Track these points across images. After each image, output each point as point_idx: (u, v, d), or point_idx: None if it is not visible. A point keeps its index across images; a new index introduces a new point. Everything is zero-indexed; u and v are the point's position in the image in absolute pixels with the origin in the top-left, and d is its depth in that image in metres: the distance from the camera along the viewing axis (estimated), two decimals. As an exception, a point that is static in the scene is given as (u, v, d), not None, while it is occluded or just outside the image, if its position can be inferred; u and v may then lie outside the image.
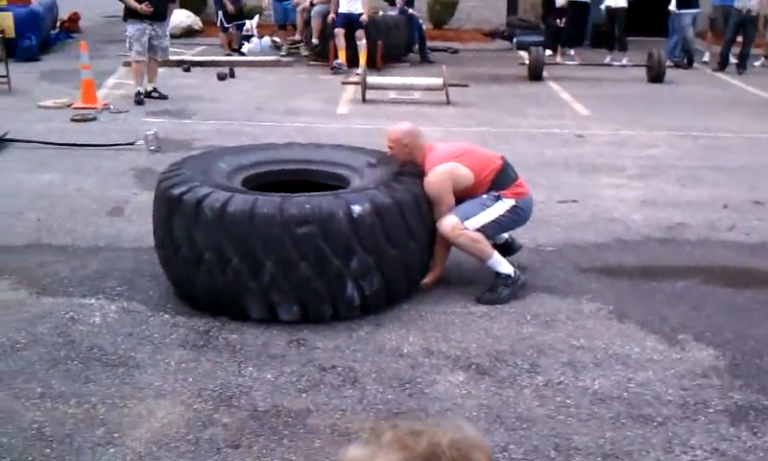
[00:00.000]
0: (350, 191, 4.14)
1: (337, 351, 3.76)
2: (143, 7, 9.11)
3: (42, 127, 8.15)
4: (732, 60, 12.68)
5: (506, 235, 4.71)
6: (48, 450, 2.98)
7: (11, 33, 11.91)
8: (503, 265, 4.36)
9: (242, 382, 3.47)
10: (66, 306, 4.15)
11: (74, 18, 16.14)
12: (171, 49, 10.12)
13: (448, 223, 4.26)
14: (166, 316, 4.08)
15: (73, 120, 8.53)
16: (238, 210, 3.83)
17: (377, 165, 4.51)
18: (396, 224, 4.02)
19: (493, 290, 4.33)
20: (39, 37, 12.96)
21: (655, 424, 3.25)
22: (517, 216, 4.42)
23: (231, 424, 3.17)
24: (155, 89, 9.66)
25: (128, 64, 10.16)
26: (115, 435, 3.09)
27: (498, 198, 4.33)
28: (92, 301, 4.23)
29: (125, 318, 4.05)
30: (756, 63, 13.18)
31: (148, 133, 7.32)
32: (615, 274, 4.81)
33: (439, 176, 4.24)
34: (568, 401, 3.39)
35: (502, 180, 4.37)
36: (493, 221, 4.32)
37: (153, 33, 9.33)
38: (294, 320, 3.97)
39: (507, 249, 4.66)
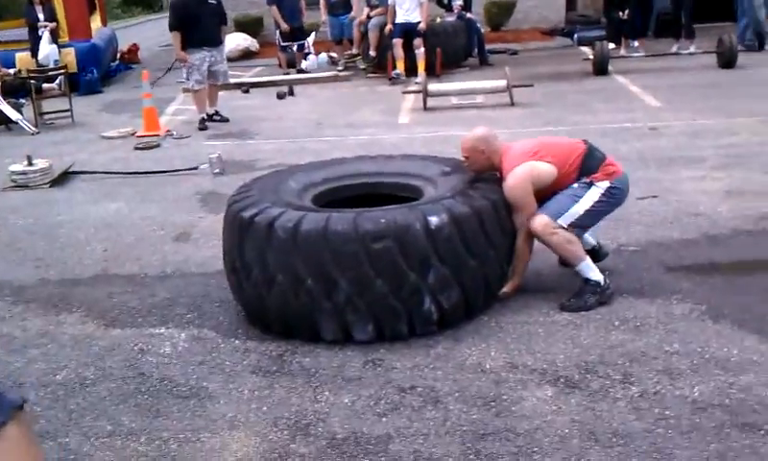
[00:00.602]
0: (426, 202, 3.95)
1: (416, 371, 3.56)
2: (181, 54, 9.22)
3: (106, 157, 8.24)
4: (808, 39, 12.09)
5: (593, 241, 4.44)
6: (121, 491, 2.87)
7: (73, 67, 12.17)
8: (594, 272, 4.10)
9: (318, 409, 3.31)
10: (135, 337, 4.06)
11: (133, 50, 16.47)
12: (229, 72, 10.10)
13: (540, 221, 4.03)
14: (237, 342, 3.95)
15: (137, 148, 8.60)
16: (312, 229, 3.68)
17: (451, 173, 4.31)
18: (474, 233, 3.82)
19: (580, 296, 4.07)
20: (101, 70, 13.21)
21: (762, 432, 2.95)
22: (614, 198, 4.13)
23: (309, 455, 3.00)
24: (216, 112, 9.66)
25: (188, 91, 10.21)
26: (189, 471, 2.95)
27: (591, 184, 4.07)
28: (162, 330, 4.14)
29: (195, 346, 3.93)
30: (833, 41, 12.53)
31: (211, 156, 7.29)
32: (705, 271, 4.49)
33: (518, 179, 4.01)
34: (667, 412, 3.12)
35: (590, 164, 4.10)
36: (589, 210, 4.06)
37: (211, 59, 9.32)
38: (369, 339, 3.80)
39: (594, 255, 4.38)
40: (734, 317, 3.86)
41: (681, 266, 4.56)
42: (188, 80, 9.52)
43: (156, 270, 5.01)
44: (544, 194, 4.11)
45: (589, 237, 4.43)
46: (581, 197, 4.05)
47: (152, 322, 4.25)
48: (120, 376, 3.67)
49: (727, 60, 11.02)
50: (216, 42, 9.45)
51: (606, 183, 4.07)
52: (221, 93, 10.05)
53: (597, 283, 4.07)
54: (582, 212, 4.04)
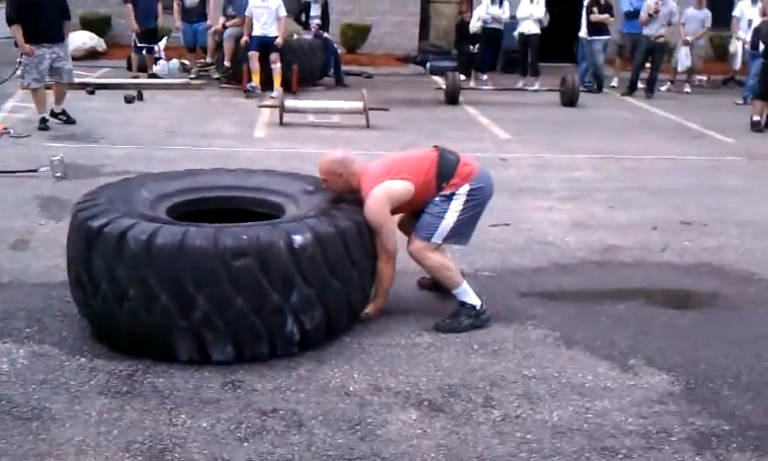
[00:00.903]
0: (289, 220, 3.85)
1: (277, 393, 3.45)
2: (26, 48, 8.48)
3: (-67, 153, 7.53)
4: (640, 85, 13.00)
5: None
6: (-50, 525, 2.57)
7: None
8: (471, 296, 4.18)
9: (174, 432, 3.12)
10: (-32, 352, 3.70)
11: (-34, 39, 15.24)
12: (74, 71, 9.51)
13: (416, 247, 4.11)
14: (83, 360, 3.67)
15: (-32, 146, 7.93)
16: (167, 243, 3.49)
17: (314, 192, 4.23)
18: (338, 254, 3.76)
19: (455, 317, 4.14)
20: (-72, 59, 12.12)
21: (620, 456, 3.08)
22: (477, 199, 4.16)
23: (166, 482, 2.83)
24: (63, 112, 9.02)
25: (27, 88, 9.53)
26: (31, 502, 2.70)
27: (451, 196, 4.09)
28: (-3, 345, 3.79)
29: (36, 364, 3.62)
30: (663, 88, 13.59)
31: (53, 158, 6.82)
32: (556, 298, 4.68)
33: (376, 201, 3.99)
34: (529, 437, 3.19)
35: (445, 169, 4.12)
36: (458, 220, 4.09)
37: (53, 56, 8.68)
38: (228, 360, 3.64)
39: None
40: (587, 343, 4.02)
41: (533, 292, 4.72)
42: (24, 78, 8.79)
43: (-11, 279, 4.60)
44: (412, 207, 4.14)
45: None
46: (445, 211, 4.09)
47: (-14, 336, 3.88)
48: (-50, 396, 3.32)
49: (569, 99, 11.66)
50: (58, 38, 8.78)
51: (465, 187, 4.11)
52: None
53: (473, 307, 4.15)
54: (451, 226, 4.10)
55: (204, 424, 3.19)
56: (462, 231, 4.19)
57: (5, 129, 8.58)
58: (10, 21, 8.60)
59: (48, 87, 8.99)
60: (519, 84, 13.21)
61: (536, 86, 12.99)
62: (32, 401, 3.29)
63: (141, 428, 3.14)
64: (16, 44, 8.76)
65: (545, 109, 11.51)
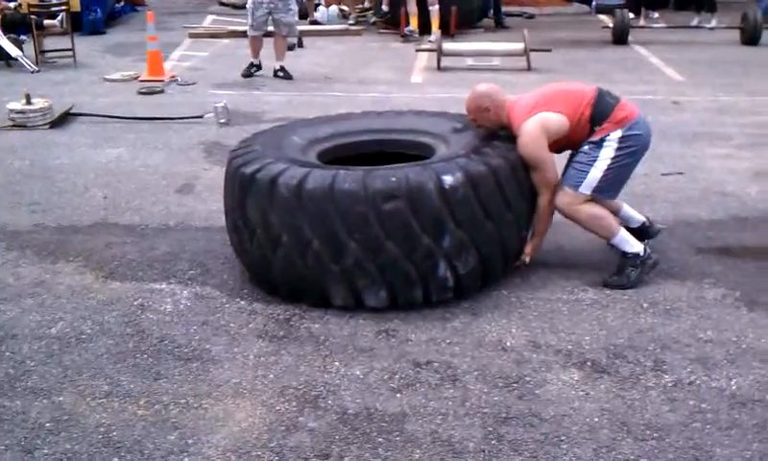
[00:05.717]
0: (439, 160, 3.70)
1: (432, 344, 3.35)
2: None
3: (109, 100, 7.95)
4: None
5: (641, 217, 4.23)
6: (116, 459, 2.65)
7: (76, 6, 11.74)
8: (630, 243, 3.88)
9: (328, 380, 3.10)
10: (135, 292, 3.84)
11: (140, -9, 15.99)
12: (235, 19, 9.60)
13: (564, 198, 3.82)
14: (242, 303, 3.73)
15: (140, 93, 8.31)
16: (317, 187, 3.44)
17: (463, 130, 4.06)
18: (491, 194, 3.58)
19: (621, 272, 3.85)
20: (105, 10, 12.82)
21: (809, 432, 2.76)
22: (631, 147, 3.80)
23: (319, 430, 2.79)
24: (282, 68, 8.93)
25: (194, 36, 9.82)
26: (190, 441, 2.74)
27: (600, 143, 3.77)
28: (163, 285, 3.91)
29: (198, 305, 3.71)
30: None
31: (217, 105, 7.01)
32: (737, 255, 4.26)
33: (531, 133, 3.73)
34: (704, 406, 2.91)
35: (600, 111, 3.79)
36: (609, 169, 3.77)
37: (271, 6, 8.56)
38: (381, 306, 3.58)
39: (643, 233, 4.17)
40: (770, 306, 3.64)
41: (710, 248, 4.33)
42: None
43: (157, 222, 4.78)
44: (563, 147, 3.88)
45: (635, 214, 4.23)
46: (594, 160, 3.78)
47: (152, 276, 4.03)
48: (118, 333, 3.45)
49: (750, 37, 10.69)
50: None
51: (617, 133, 3.77)
52: (227, 41, 9.68)
53: (636, 255, 3.86)
54: (600, 176, 3.78)
55: (358, 373, 3.14)
56: (611, 183, 3.86)
57: (173, 77, 8.93)
58: None
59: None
60: (694, 22, 12.25)
61: (713, 23, 12.01)
62: (193, 342, 3.37)
63: (296, 374, 3.14)
64: None
65: (723, 48, 10.62)
